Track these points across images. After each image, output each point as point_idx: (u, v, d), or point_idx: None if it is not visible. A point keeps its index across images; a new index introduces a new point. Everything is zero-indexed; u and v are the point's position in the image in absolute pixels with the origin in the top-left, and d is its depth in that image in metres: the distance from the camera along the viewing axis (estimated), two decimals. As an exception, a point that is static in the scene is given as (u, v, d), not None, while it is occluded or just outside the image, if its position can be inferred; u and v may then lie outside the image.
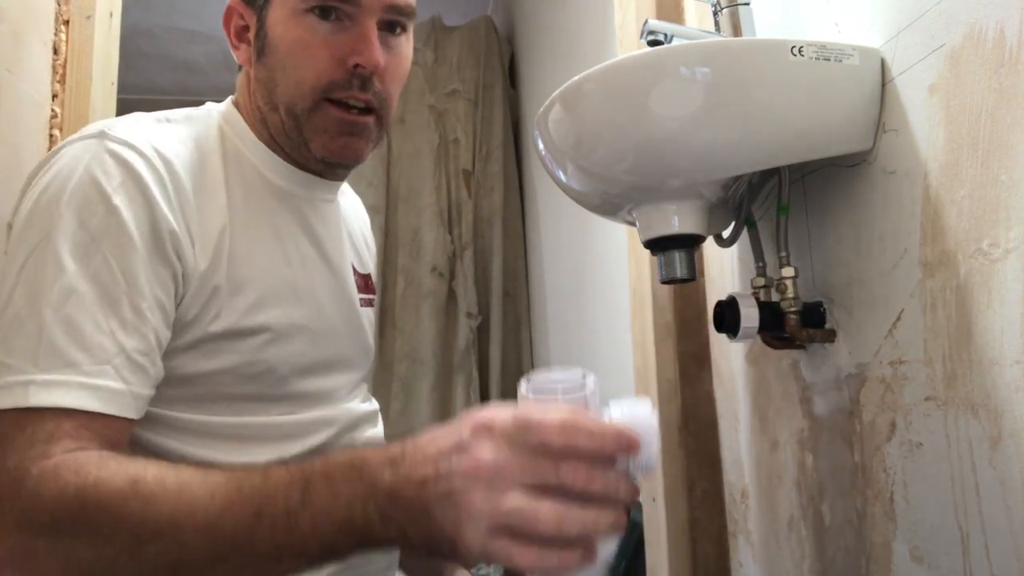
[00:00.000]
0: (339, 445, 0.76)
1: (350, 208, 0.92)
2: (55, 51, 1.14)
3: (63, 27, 1.16)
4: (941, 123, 0.68)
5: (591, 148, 0.81)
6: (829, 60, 0.74)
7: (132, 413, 0.60)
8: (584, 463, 0.43)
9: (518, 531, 0.42)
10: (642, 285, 1.25)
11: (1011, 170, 0.60)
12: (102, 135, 0.66)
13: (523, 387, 0.48)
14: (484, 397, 2.96)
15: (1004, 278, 0.60)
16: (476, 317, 3.00)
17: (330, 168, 0.79)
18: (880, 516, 0.77)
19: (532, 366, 3.03)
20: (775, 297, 0.86)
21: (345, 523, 0.47)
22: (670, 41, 0.89)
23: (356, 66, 0.70)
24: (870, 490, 0.78)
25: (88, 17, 1.18)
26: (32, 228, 0.62)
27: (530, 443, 0.44)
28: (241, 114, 0.78)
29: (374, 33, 0.71)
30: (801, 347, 0.89)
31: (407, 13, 0.75)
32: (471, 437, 0.45)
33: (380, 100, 0.74)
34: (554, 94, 0.81)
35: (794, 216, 0.90)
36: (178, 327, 0.66)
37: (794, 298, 0.83)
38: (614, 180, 0.82)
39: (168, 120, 0.73)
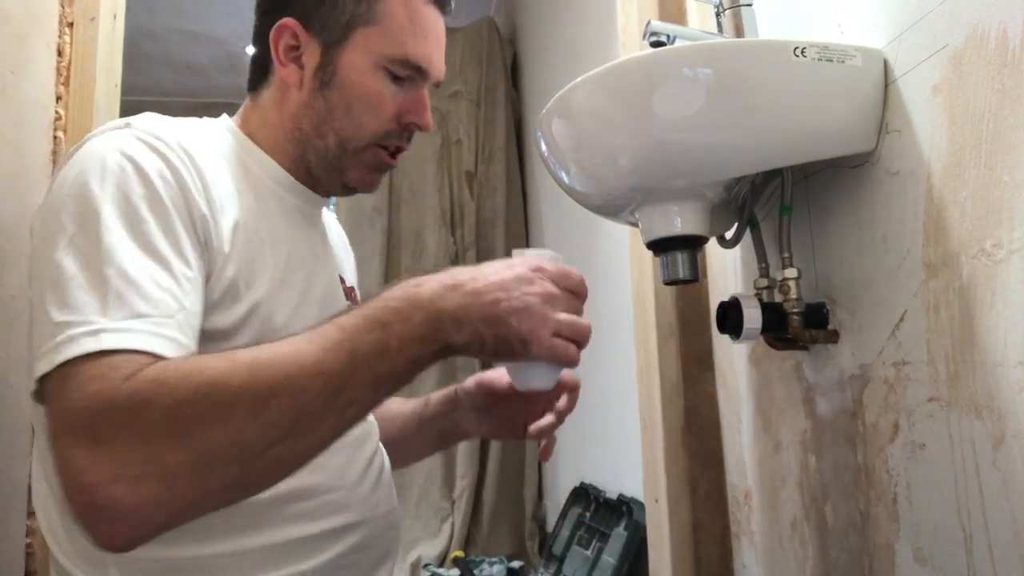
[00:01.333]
0: (340, 457, 0.76)
1: (332, 221, 0.95)
2: (59, 53, 1.15)
3: (67, 29, 1.16)
4: (944, 124, 0.68)
5: (593, 149, 0.81)
6: (832, 61, 0.74)
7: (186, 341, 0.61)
8: (581, 300, 0.67)
9: (566, 335, 0.63)
10: (644, 286, 1.25)
11: (1014, 171, 0.60)
12: (128, 126, 0.68)
13: (519, 252, 0.68)
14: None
15: (1007, 279, 0.60)
16: (479, 318, 3.00)
17: (347, 193, 0.85)
18: (883, 517, 0.77)
19: (535, 367, 3.02)
20: (778, 298, 0.86)
21: (425, 338, 0.58)
22: (673, 42, 0.89)
23: (410, 124, 0.80)
24: (873, 491, 0.78)
25: (92, 19, 1.18)
26: (74, 204, 0.62)
27: (565, 284, 0.65)
28: (250, 128, 0.81)
29: (427, 98, 0.81)
30: (804, 348, 0.89)
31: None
32: (533, 275, 0.63)
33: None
34: (557, 95, 0.81)
35: (797, 217, 0.90)
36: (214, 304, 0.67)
37: (797, 299, 0.83)
38: (616, 181, 0.82)
39: (182, 122, 0.75)
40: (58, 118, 1.14)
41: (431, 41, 0.79)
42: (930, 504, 0.70)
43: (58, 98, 1.14)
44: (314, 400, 0.54)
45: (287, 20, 0.77)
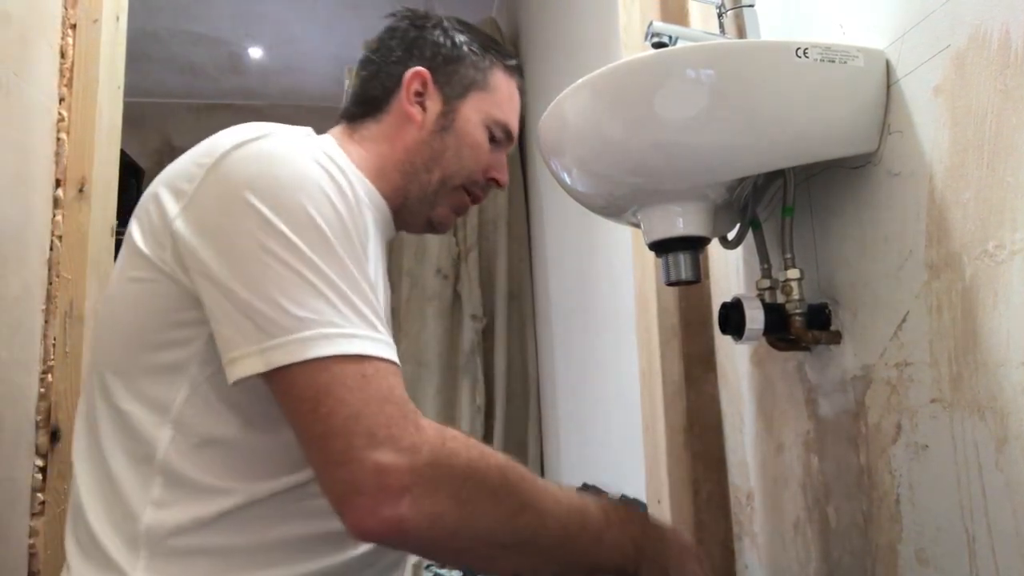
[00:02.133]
0: None
1: None
2: (62, 55, 1.15)
3: (70, 31, 1.16)
4: (946, 125, 0.68)
5: (595, 150, 0.81)
6: (834, 62, 0.73)
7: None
8: None
9: None
10: (647, 287, 1.25)
11: (1017, 172, 0.60)
12: (290, 134, 0.73)
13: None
14: (489, 400, 2.96)
15: (1010, 280, 0.60)
16: (481, 319, 3.01)
17: (423, 230, 0.95)
18: (886, 518, 0.77)
19: (537, 368, 3.03)
20: (780, 299, 0.86)
21: (622, 554, 0.69)
22: (675, 43, 0.89)
23: (493, 179, 0.94)
24: (876, 492, 0.78)
25: (95, 21, 1.18)
26: (272, 211, 0.64)
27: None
28: (351, 154, 0.86)
29: (505, 160, 0.97)
30: (806, 349, 0.89)
31: None
32: (696, 561, 0.74)
33: None
34: (559, 96, 0.81)
35: (799, 218, 0.90)
36: None
37: (799, 300, 0.83)
38: (618, 182, 0.82)
39: (310, 136, 0.80)
40: (61, 119, 1.14)
41: (516, 111, 0.96)
42: (933, 505, 0.70)
43: (61, 99, 1.15)
44: (549, 536, 0.65)
45: (422, 69, 0.90)
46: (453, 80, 0.91)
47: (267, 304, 0.61)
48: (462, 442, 0.64)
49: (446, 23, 0.95)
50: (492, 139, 0.92)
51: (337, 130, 0.93)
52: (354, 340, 0.62)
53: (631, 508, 0.74)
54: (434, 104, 0.91)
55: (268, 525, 0.68)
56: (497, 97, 0.93)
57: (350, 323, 0.63)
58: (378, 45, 0.96)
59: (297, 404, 0.61)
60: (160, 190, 0.71)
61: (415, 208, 0.91)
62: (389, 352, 0.64)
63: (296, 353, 0.60)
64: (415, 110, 0.90)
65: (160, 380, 0.68)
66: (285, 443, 0.67)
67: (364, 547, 0.74)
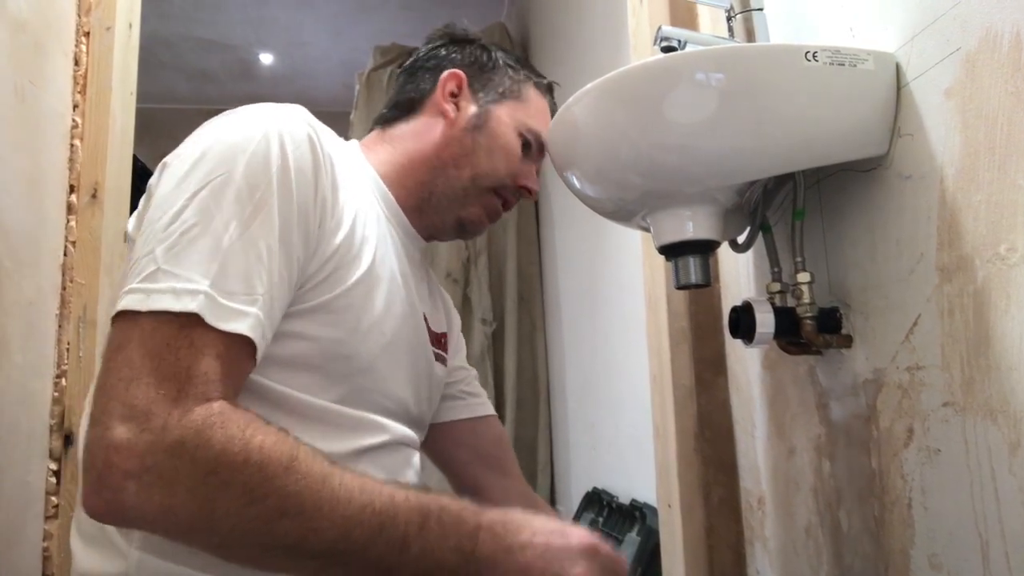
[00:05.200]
0: (390, 452, 0.78)
1: (438, 287, 1.07)
2: (76, 62, 1.16)
3: (84, 38, 1.17)
4: (957, 127, 0.67)
5: (605, 155, 0.81)
6: (843, 65, 0.73)
7: (261, 354, 0.64)
8: None
9: None
10: (657, 291, 1.25)
11: (1028, 174, 0.59)
12: (277, 106, 0.72)
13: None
14: (499, 403, 2.96)
15: (1021, 283, 0.60)
16: (491, 323, 3.01)
17: (454, 234, 0.95)
18: (898, 523, 0.76)
19: (547, 372, 3.03)
20: (791, 302, 0.86)
21: (442, 565, 0.59)
22: (684, 47, 0.89)
23: (523, 187, 0.94)
24: (888, 497, 0.78)
25: (108, 28, 1.19)
26: (211, 163, 0.65)
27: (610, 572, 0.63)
28: (374, 158, 0.90)
29: (537, 172, 0.97)
30: (817, 352, 0.88)
31: None
32: (579, 555, 0.62)
33: None
34: (568, 100, 0.81)
35: (809, 221, 0.90)
36: (306, 288, 0.70)
37: (810, 303, 0.83)
38: (628, 186, 0.82)
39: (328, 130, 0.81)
40: (75, 126, 1.15)
41: (547, 124, 0.95)
42: (945, 510, 0.70)
43: (75, 106, 1.16)
44: (319, 546, 0.57)
45: (458, 71, 0.92)
46: (488, 86, 0.93)
47: (144, 249, 0.62)
48: (237, 433, 0.57)
49: (484, 41, 0.98)
50: (525, 146, 0.93)
51: (368, 136, 0.95)
52: (198, 297, 0.59)
53: (491, 514, 0.63)
54: (468, 105, 0.92)
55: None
56: (530, 108, 0.94)
57: (211, 285, 0.60)
58: (416, 58, 0.98)
59: (104, 351, 0.60)
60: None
61: (443, 205, 0.91)
62: (235, 322, 0.60)
63: (137, 301, 0.59)
64: (449, 107, 0.91)
65: None
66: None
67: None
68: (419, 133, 0.91)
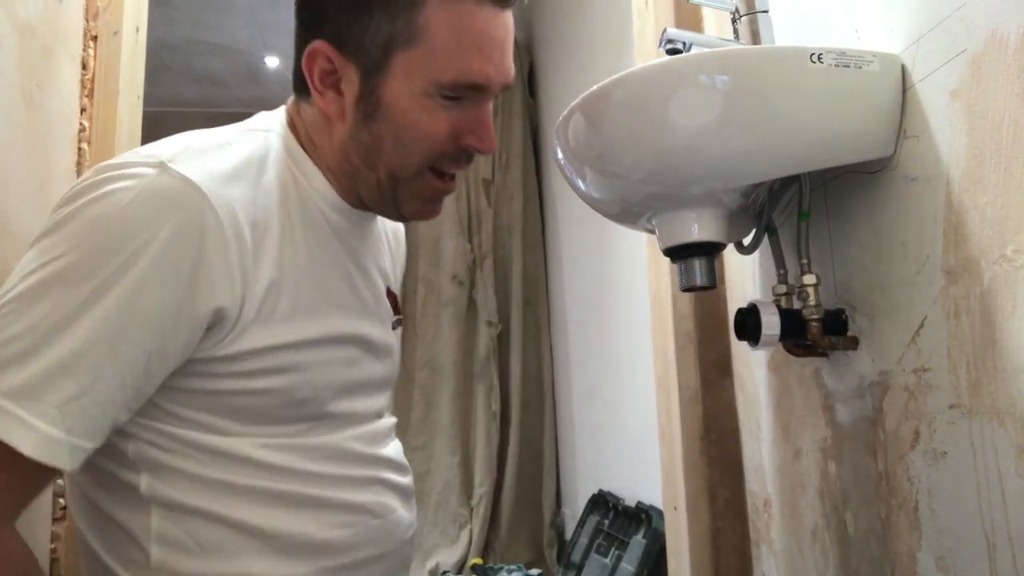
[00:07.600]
0: (366, 455, 0.77)
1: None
2: (83, 66, 1.17)
3: (91, 43, 1.18)
4: (963, 129, 0.67)
5: (610, 156, 0.81)
6: (849, 67, 0.73)
7: (66, 463, 0.60)
8: None
9: None
10: (662, 293, 1.25)
11: (1035, 176, 0.59)
12: (163, 167, 0.63)
13: None
14: (505, 406, 2.96)
15: (1029, 284, 0.60)
16: (496, 325, 3.01)
17: (408, 221, 0.82)
18: (905, 525, 0.76)
19: (552, 374, 3.03)
20: (797, 304, 0.86)
21: None
22: (689, 49, 0.89)
23: (468, 145, 0.72)
24: (894, 499, 0.78)
25: (115, 33, 1.20)
26: (61, 238, 0.61)
27: None
28: (304, 148, 0.75)
29: (490, 115, 0.73)
30: (823, 354, 0.88)
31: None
32: None
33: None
34: (573, 103, 0.81)
35: (815, 223, 0.90)
36: (225, 358, 0.66)
37: (816, 305, 0.83)
38: (633, 188, 0.82)
39: (229, 144, 0.70)
40: (82, 129, 1.16)
41: (487, 50, 0.69)
42: (952, 512, 0.69)
43: (82, 110, 1.16)
44: None
45: (319, 44, 0.69)
46: (365, 43, 0.69)
47: None
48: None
49: None
50: (450, 99, 0.70)
51: (290, 102, 0.79)
52: None
53: None
54: (350, 84, 0.70)
55: (277, 517, 0.69)
56: (433, 47, 0.68)
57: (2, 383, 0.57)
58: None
59: None
60: None
61: (379, 208, 0.77)
62: (23, 438, 0.57)
63: None
64: (328, 99, 0.71)
65: None
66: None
67: (358, 554, 0.73)
68: (322, 129, 0.74)
